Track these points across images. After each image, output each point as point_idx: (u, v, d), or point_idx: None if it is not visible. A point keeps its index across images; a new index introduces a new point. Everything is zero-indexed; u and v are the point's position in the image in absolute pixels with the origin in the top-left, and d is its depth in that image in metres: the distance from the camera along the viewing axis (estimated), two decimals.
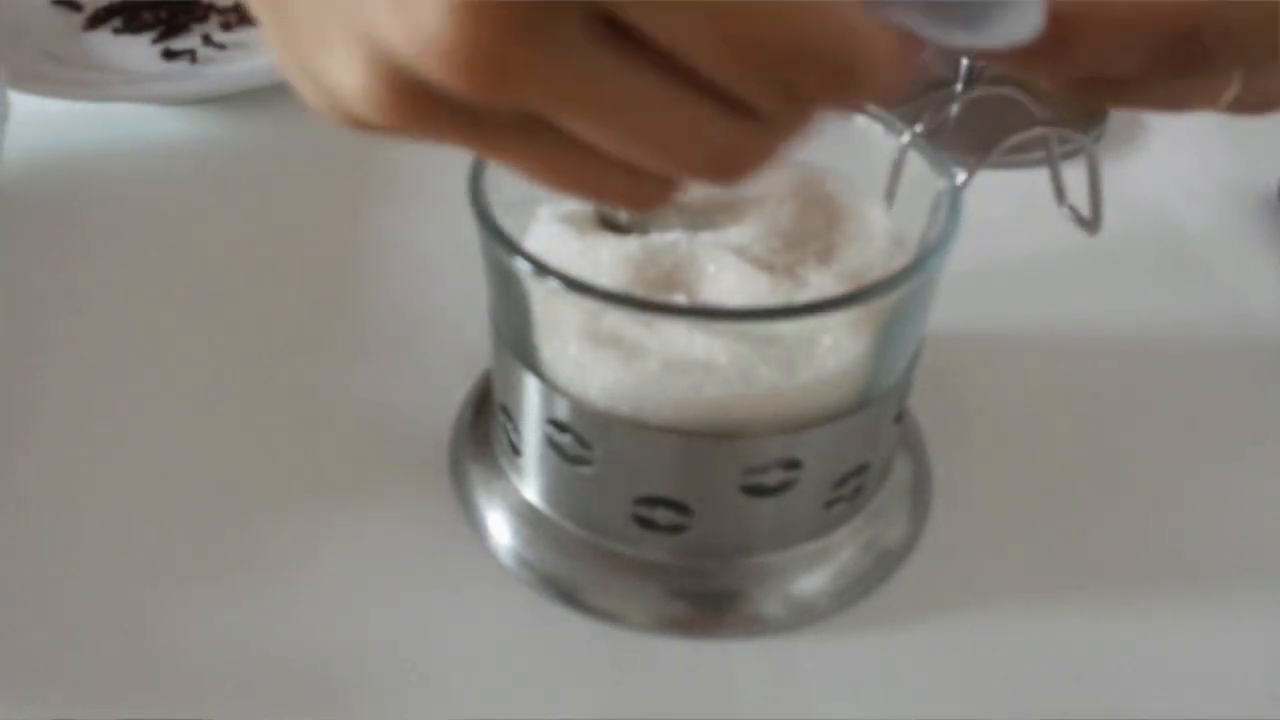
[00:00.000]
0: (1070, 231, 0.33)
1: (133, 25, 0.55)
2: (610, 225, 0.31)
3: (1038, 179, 0.33)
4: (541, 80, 0.18)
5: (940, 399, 0.36)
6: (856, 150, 0.33)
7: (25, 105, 0.49)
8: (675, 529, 0.30)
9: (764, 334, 0.27)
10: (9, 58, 0.50)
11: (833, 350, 0.28)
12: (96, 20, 0.55)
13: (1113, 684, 0.30)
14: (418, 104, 0.19)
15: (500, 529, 0.32)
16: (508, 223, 0.28)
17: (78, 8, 0.57)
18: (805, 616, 0.31)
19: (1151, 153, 0.51)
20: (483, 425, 0.35)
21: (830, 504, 0.31)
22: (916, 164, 0.31)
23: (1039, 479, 0.35)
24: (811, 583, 0.31)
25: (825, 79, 0.18)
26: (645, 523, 0.30)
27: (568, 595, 0.31)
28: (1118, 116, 0.53)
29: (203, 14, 0.57)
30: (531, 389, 0.29)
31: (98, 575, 0.32)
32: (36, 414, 0.37)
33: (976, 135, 0.48)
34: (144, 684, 0.29)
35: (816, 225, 0.31)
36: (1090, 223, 0.32)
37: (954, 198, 0.29)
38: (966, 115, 0.51)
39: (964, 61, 0.52)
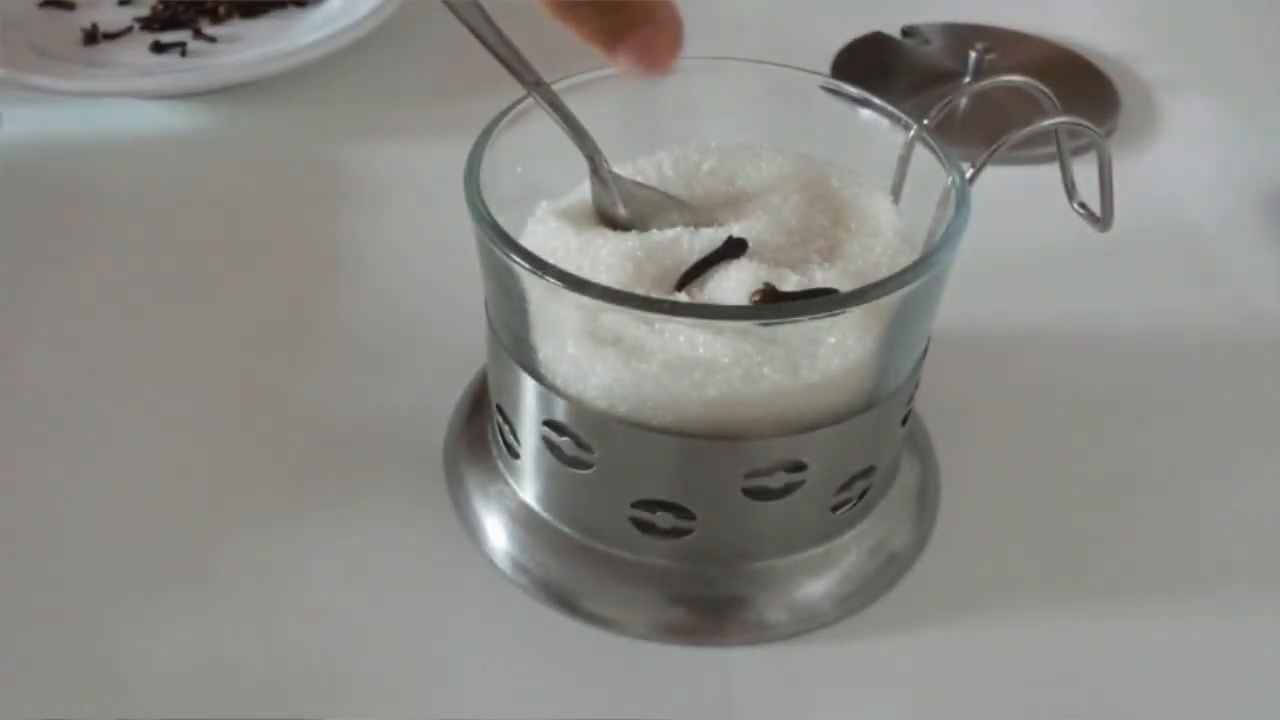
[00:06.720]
0: (1081, 228, 0.32)
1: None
2: (609, 223, 0.31)
3: (1047, 174, 0.33)
4: None
5: (948, 400, 0.36)
6: (862, 145, 0.33)
7: (14, 99, 0.49)
8: (676, 533, 0.29)
9: (767, 333, 0.27)
10: None
11: (838, 349, 0.27)
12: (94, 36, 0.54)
13: (1122, 689, 0.29)
14: None
15: (497, 533, 0.32)
16: (504, 219, 0.27)
17: (69, 7, 0.56)
18: (810, 623, 0.30)
19: (1163, 149, 0.50)
20: (478, 427, 0.34)
21: (835, 507, 0.30)
22: (923, 158, 0.31)
23: (1048, 481, 0.35)
24: (816, 588, 0.31)
25: None
26: (645, 526, 0.29)
27: (565, 601, 0.31)
28: (1130, 111, 0.52)
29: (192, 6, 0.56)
30: (529, 389, 0.29)
31: (90, 581, 0.31)
32: (25, 415, 0.36)
33: (984, 129, 0.48)
34: (140, 688, 0.29)
35: (821, 221, 0.31)
36: (1101, 220, 0.32)
37: (962, 193, 0.29)
38: (974, 109, 0.50)
39: (972, 54, 0.52)
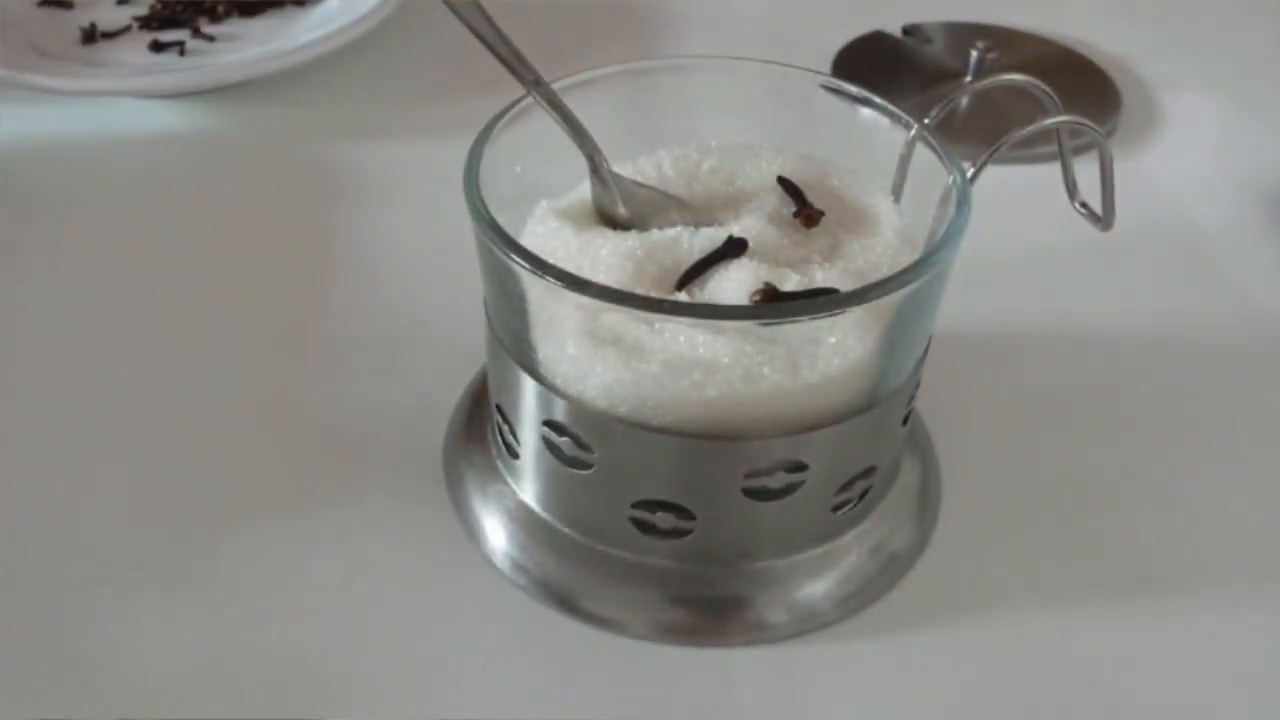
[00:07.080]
0: (1082, 228, 0.32)
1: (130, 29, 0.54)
2: (609, 222, 0.31)
3: (1048, 174, 0.33)
4: None
5: (949, 399, 0.36)
6: (863, 144, 0.33)
7: (12, 99, 0.49)
8: (676, 533, 0.29)
9: (767, 333, 0.27)
10: None
11: (838, 349, 0.27)
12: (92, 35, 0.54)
13: (1122, 689, 0.29)
14: None
15: (496, 534, 0.32)
16: (504, 219, 0.27)
17: (68, 6, 0.56)
18: (810, 623, 0.30)
19: (1165, 148, 0.50)
20: (478, 427, 0.34)
21: (836, 508, 0.30)
22: (924, 157, 0.31)
23: (1049, 481, 0.35)
24: (816, 588, 0.31)
25: None
26: (645, 527, 0.29)
27: (565, 602, 0.30)
28: (1131, 111, 0.52)
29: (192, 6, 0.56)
30: (528, 389, 0.29)
31: (90, 581, 0.31)
32: (25, 415, 0.36)
33: (985, 128, 0.47)
34: (140, 688, 0.29)
35: (822, 221, 0.31)
36: (1102, 219, 0.31)
37: (963, 192, 0.28)
38: (975, 108, 0.50)
39: (973, 53, 0.51)
